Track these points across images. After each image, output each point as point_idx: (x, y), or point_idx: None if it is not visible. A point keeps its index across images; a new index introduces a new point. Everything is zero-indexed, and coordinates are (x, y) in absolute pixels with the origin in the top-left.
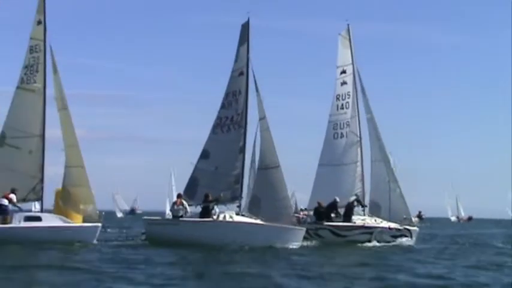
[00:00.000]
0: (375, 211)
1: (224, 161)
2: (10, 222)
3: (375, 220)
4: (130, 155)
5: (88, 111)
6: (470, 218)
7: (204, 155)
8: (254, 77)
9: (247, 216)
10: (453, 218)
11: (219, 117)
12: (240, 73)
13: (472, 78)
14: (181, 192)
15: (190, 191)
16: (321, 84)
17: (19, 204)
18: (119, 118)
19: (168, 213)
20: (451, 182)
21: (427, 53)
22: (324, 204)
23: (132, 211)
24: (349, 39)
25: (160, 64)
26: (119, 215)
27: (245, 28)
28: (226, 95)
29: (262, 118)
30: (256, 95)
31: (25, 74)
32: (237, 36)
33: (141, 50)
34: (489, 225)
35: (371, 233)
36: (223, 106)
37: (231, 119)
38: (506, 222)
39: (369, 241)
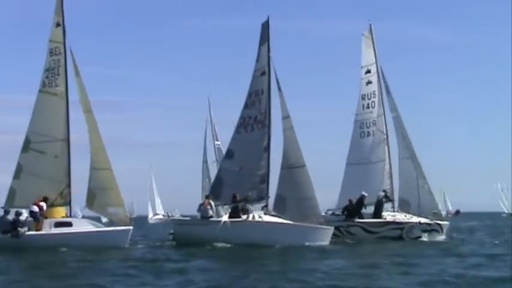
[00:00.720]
0: (404, 207)
1: (248, 160)
2: (41, 229)
3: (405, 216)
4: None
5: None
6: (457, 212)
7: (229, 154)
8: (276, 76)
9: (274, 216)
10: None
11: (242, 117)
12: (262, 73)
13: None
14: (209, 193)
15: (216, 191)
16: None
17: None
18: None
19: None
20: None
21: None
22: (354, 199)
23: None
24: (372, 38)
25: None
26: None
27: (265, 27)
28: (249, 94)
29: (285, 117)
30: (279, 94)
31: (46, 77)
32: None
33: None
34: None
35: (402, 229)
36: (246, 106)
37: (254, 118)
38: (493, 214)
39: (400, 237)
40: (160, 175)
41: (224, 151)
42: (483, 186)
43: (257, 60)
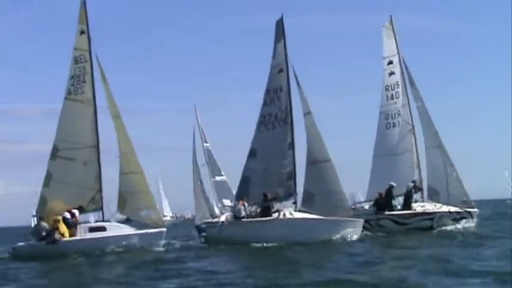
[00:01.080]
0: (433, 197)
1: (272, 158)
2: (75, 235)
3: (435, 205)
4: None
5: None
6: None
7: (252, 153)
8: (294, 73)
9: (304, 212)
10: None
11: (262, 115)
12: (280, 70)
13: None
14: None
15: (243, 190)
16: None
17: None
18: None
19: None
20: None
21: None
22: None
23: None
24: (393, 29)
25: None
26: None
27: (279, 25)
28: (267, 91)
29: (307, 113)
30: (299, 91)
31: (72, 84)
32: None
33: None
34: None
35: (432, 219)
36: (265, 103)
37: (275, 116)
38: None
39: (431, 227)
40: (166, 177)
41: (213, 153)
42: (492, 174)
43: (273, 58)
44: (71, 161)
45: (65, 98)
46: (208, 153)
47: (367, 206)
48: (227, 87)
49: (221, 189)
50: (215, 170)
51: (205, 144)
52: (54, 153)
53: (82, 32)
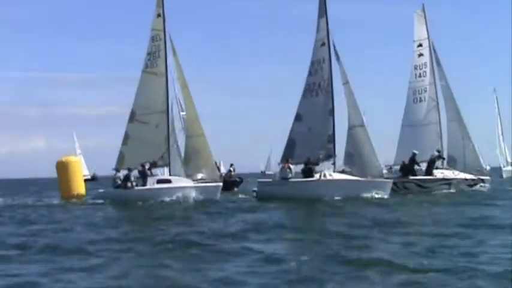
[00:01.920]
0: (451, 164)
1: (316, 122)
2: (145, 185)
3: (453, 172)
4: None
5: None
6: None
7: (298, 118)
8: (335, 47)
9: (342, 172)
10: None
11: (307, 84)
12: (322, 43)
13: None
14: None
15: (289, 152)
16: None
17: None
18: None
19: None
20: None
21: None
22: (407, 161)
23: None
24: (425, 16)
25: None
26: None
27: (322, 1)
28: (312, 63)
29: (345, 83)
30: (338, 63)
31: (148, 59)
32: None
33: None
34: None
35: (450, 184)
36: (310, 74)
37: (318, 84)
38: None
39: (448, 190)
40: None
41: None
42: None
43: (317, 31)
44: (145, 124)
45: (142, 71)
46: (184, 121)
47: (385, 170)
48: None
49: None
50: None
51: (182, 113)
52: (132, 117)
53: (159, 15)
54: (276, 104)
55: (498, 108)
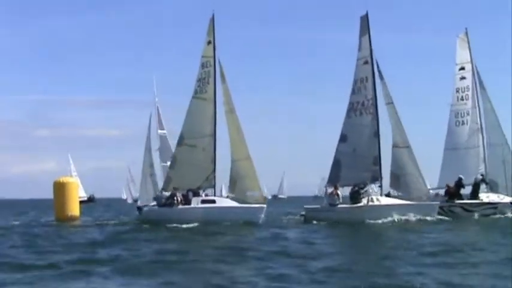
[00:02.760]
0: (493, 188)
1: (360, 143)
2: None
3: (498, 196)
4: None
5: None
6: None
7: (342, 138)
8: (378, 65)
9: (389, 196)
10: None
11: (351, 103)
12: (365, 62)
13: None
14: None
15: (335, 173)
16: None
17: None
18: None
19: None
20: None
21: None
22: (451, 184)
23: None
24: (468, 41)
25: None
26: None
27: (364, 20)
28: (355, 81)
29: (389, 103)
30: (381, 82)
31: (198, 86)
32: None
33: None
34: None
35: (495, 208)
36: (353, 92)
37: (362, 104)
38: None
39: (494, 214)
40: None
41: (169, 140)
42: None
43: (359, 50)
44: (193, 147)
45: (192, 97)
46: (162, 140)
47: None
48: None
49: None
50: (167, 156)
51: (161, 131)
52: (181, 141)
53: (209, 42)
54: None
55: None
